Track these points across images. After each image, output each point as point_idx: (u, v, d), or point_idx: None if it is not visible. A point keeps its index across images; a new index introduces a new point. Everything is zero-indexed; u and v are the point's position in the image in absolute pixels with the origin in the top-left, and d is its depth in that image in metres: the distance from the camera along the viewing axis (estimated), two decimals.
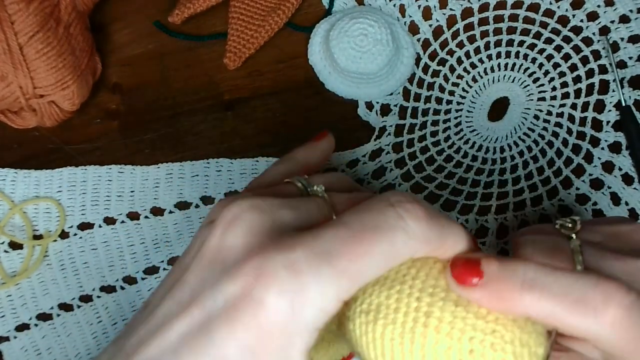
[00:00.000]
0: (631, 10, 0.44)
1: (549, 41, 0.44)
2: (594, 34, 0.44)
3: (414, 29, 0.45)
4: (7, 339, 0.40)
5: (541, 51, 0.44)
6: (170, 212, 0.42)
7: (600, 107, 0.42)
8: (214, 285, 0.20)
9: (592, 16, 0.44)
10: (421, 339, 0.21)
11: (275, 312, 0.19)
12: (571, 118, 0.42)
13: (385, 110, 0.44)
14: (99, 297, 0.40)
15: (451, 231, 0.22)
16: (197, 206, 0.42)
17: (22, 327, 0.40)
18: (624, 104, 0.42)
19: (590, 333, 0.21)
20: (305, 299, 0.19)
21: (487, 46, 0.45)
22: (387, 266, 0.21)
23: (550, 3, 0.45)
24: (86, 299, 0.41)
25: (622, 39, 0.43)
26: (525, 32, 0.44)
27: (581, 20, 0.44)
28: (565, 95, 0.43)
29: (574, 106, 0.43)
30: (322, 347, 0.27)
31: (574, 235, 0.25)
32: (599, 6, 0.44)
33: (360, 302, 0.22)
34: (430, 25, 0.45)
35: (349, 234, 0.20)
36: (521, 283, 0.22)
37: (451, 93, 0.44)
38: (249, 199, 0.21)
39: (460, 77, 0.44)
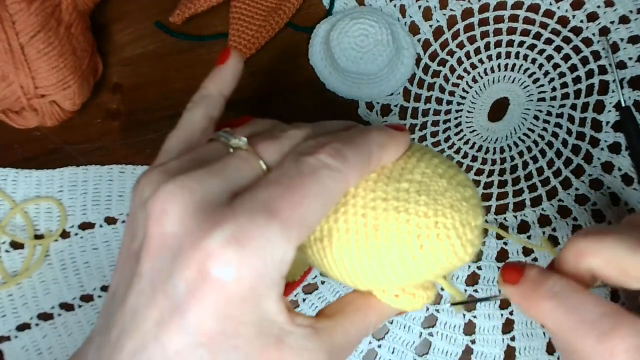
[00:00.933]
0: (631, 11, 0.44)
1: (548, 42, 0.44)
2: (593, 34, 0.44)
3: (414, 30, 0.45)
4: (8, 338, 0.40)
5: (541, 52, 0.44)
6: None
7: (599, 107, 0.43)
8: (170, 275, 0.20)
9: (592, 17, 0.44)
10: (376, 251, 0.23)
11: (238, 282, 0.20)
12: (571, 118, 0.43)
13: (385, 110, 0.44)
14: (99, 296, 0.41)
15: (369, 147, 0.24)
16: None
17: (23, 327, 0.40)
18: (623, 105, 0.42)
19: (590, 354, 0.23)
20: (262, 260, 0.20)
21: (487, 47, 0.45)
22: (327, 204, 0.22)
23: (550, 4, 0.45)
24: (87, 298, 0.41)
25: (621, 40, 0.43)
26: (525, 32, 0.45)
27: (581, 21, 0.44)
28: (565, 96, 0.43)
29: (573, 107, 0.43)
30: None
31: None
32: (598, 7, 0.44)
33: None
34: (431, 26, 0.45)
35: (281, 188, 0.21)
36: (546, 291, 0.24)
37: (451, 93, 0.44)
38: (174, 180, 0.22)
39: (460, 77, 0.44)
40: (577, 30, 0.44)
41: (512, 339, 0.39)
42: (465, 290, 0.40)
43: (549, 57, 0.44)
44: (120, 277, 0.22)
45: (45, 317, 0.40)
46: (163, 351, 0.20)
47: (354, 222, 0.23)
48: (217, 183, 0.22)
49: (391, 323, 0.40)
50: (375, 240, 0.23)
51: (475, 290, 0.40)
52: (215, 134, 0.26)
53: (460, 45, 0.45)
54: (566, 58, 0.44)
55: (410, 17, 0.46)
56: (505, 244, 0.41)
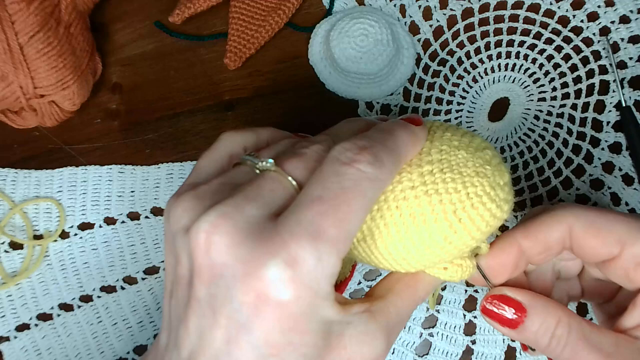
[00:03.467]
0: (631, 11, 0.44)
1: (549, 41, 0.44)
2: (594, 34, 0.44)
3: (414, 29, 0.45)
4: (7, 338, 0.40)
5: (541, 51, 0.44)
6: None
7: (600, 107, 0.42)
8: (230, 300, 0.21)
9: (593, 16, 0.44)
10: (418, 236, 0.25)
11: (296, 301, 0.21)
12: (571, 118, 0.43)
13: (385, 110, 0.44)
14: (99, 297, 0.41)
15: (399, 149, 0.25)
16: None
17: (23, 327, 0.40)
18: (624, 105, 0.42)
19: None
20: (315, 279, 0.21)
21: (487, 46, 0.45)
22: (368, 211, 0.23)
23: (551, 3, 0.45)
24: (86, 299, 0.41)
25: (622, 40, 0.43)
26: (526, 32, 0.44)
27: (581, 21, 0.44)
28: (566, 96, 0.43)
29: (574, 106, 0.43)
30: None
31: None
32: (599, 6, 0.44)
33: None
34: (431, 26, 0.45)
35: (324, 206, 0.22)
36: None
37: (451, 93, 0.44)
38: (214, 210, 0.22)
39: (460, 77, 0.44)
40: (577, 30, 0.44)
41: (513, 339, 0.39)
42: (466, 291, 0.40)
43: (550, 57, 0.44)
44: (176, 299, 0.24)
45: (44, 317, 0.40)
46: None
47: (390, 216, 0.25)
48: (255, 207, 0.23)
49: None
50: (416, 227, 0.24)
51: (476, 290, 0.40)
52: (240, 157, 0.26)
53: (461, 45, 0.45)
54: (566, 58, 0.44)
55: (410, 16, 0.45)
56: None
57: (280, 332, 0.21)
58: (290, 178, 0.24)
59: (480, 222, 0.25)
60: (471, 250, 0.27)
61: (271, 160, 0.24)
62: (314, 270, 0.21)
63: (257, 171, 0.25)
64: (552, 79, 0.43)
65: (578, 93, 0.43)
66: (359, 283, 0.41)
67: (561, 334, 0.27)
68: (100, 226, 0.42)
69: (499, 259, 0.29)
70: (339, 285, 0.31)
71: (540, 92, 0.43)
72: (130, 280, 0.41)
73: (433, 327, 0.40)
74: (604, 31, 0.44)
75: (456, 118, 0.44)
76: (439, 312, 0.40)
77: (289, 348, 0.21)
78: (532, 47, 0.44)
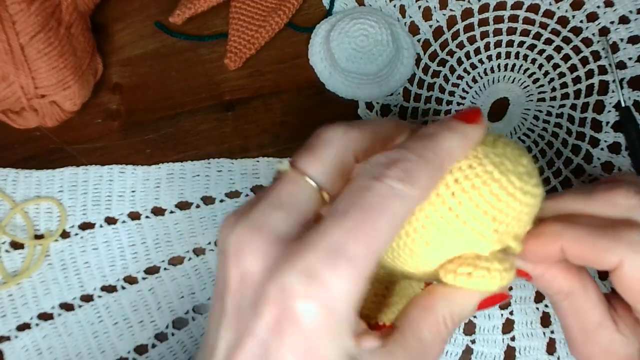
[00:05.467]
0: (631, 11, 0.44)
1: (548, 42, 0.44)
2: (593, 34, 0.44)
3: (414, 30, 0.45)
4: (8, 338, 0.40)
5: (541, 52, 0.44)
6: (171, 212, 0.42)
7: (599, 107, 0.43)
8: (253, 317, 0.21)
9: (592, 17, 0.44)
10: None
11: (311, 318, 0.20)
12: (571, 118, 0.43)
13: (385, 110, 0.44)
14: (100, 296, 0.41)
15: (441, 161, 0.23)
16: (198, 206, 0.42)
17: (23, 327, 0.40)
18: (623, 105, 0.42)
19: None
20: (332, 296, 0.20)
21: (487, 47, 0.45)
22: (396, 230, 0.22)
23: (550, 4, 0.45)
24: (87, 298, 0.41)
25: (621, 40, 0.43)
26: (525, 32, 0.45)
27: (581, 21, 0.44)
28: (565, 96, 0.43)
29: (573, 107, 0.43)
30: None
31: None
32: (598, 7, 0.44)
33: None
34: (431, 26, 0.45)
35: (349, 222, 0.21)
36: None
37: (451, 94, 0.44)
38: (244, 219, 0.22)
39: (460, 77, 0.44)
40: (576, 31, 0.44)
41: (512, 339, 0.39)
42: None
43: (549, 57, 0.44)
44: (212, 314, 0.24)
45: (45, 317, 0.40)
46: None
47: (415, 219, 0.24)
48: (280, 216, 0.22)
49: None
50: (444, 233, 0.24)
51: None
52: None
53: (460, 46, 0.45)
54: (566, 58, 0.44)
55: (410, 17, 0.46)
56: None
57: (295, 355, 0.20)
58: (307, 179, 0.23)
59: (486, 193, 0.23)
60: (500, 249, 0.25)
61: (286, 161, 0.24)
62: (333, 289, 0.20)
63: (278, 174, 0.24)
64: (552, 79, 0.43)
65: (577, 93, 0.43)
66: None
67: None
68: (101, 226, 0.42)
69: (537, 255, 0.27)
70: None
71: (539, 93, 0.43)
72: (131, 280, 0.41)
73: None
74: (604, 31, 0.44)
75: None
76: None
77: None
78: (531, 47, 0.44)
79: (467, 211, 0.23)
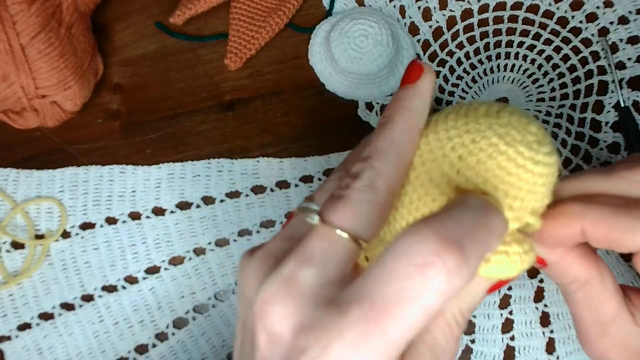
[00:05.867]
0: (630, 12, 0.44)
1: (548, 42, 0.44)
2: (593, 35, 0.44)
3: (414, 30, 0.46)
4: (8, 338, 0.40)
5: (540, 52, 0.44)
6: (172, 212, 0.42)
7: (599, 108, 0.43)
8: None
9: (591, 17, 0.44)
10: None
11: None
12: (570, 119, 0.43)
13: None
14: (100, 296, 0.41)
15: (491, 239, 0.20)
16: (198, 206, 0.42)
17: (24, 327, 0.40)
18: (622, 105, 0.42)
19: None
20: None
21: (486, 47, 0.45)
22: (423, 322, 0.19)
23: (550, 4, 0.45)
24: (88, 298, 0.41)
25: (621, 40, 0.44)
26: (525, 33, 0.45)
27: (580, 22, 0.44)
28: (564, 96, 0.43)
29: (572, 107, 0.43)
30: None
31: None
32: (598, 7, 0.44)
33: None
34: (430, 27, 0.45)
35: (374, 313, 0.19)
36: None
37: (451, 94, 0.44)
38: (272, 277, 0.21)
39: (460, 78, 0.44)
40: (576, 31, 0.44)
41: (512, 338, 0.39)
42: None
43: (548, 58, 0.44)
44: (244, 354, 0.23)
45: (46, 316, 0.40)
46: None
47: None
48: (310, 273, 0.21)
49: None
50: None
51: None
52: (299, 206, 0.24)
53: (460, 46, 0.45)
54: (565, 58, 0.44)
55: (410, 17, 0.46)
56: None
57: None
58: (338, 232, 0.21)
59: (494, 167, 0.21)
60: (519, 228, 0.23)
61: (316, 214, 0.22)
62: None
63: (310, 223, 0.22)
64: (551, 80, 0.44)
65: (577, 93, 0.43)
66: None
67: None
68: (102, 226, 0.42)
69: (556, 238, 0.25)
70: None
71: (539, 93, 0.44)
72: (131, 280, 0.41)
73: None
74: (603, 32, 0.44)
75: None
76: None
77: None
78: (531, 47, 0.44)
79: (476, 189, 0.22)
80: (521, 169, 0.22)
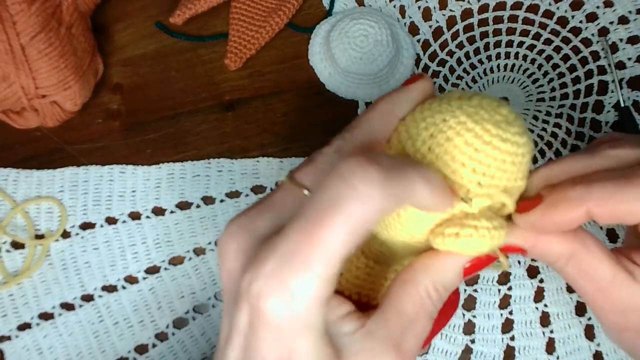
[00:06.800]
0: (630, 12, 0.44)
1: (548, 42, 0.44)
2: (593, 35, 0.44)
3: (414, 30, 0.46)
4: (8, 338, 0.40)
5: (540, 52, 0.44)
6: (172, 212, 0.42)
7: (599, 107, 0.43)
8: (236, 312, 0.22)
9: (591, 17, 0.44)
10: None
11: (278, 316, 0.21)
12: (570, 119, 0.43)
13: None
14: (100, 296, 0.41)
15: (415, 181, 0.21)
16: (198, 206, 0.42)
17: (24, 327, 0.40)
18: (622, 105, 0.42)
19: None
20: (294, 296, 0.20)
21: (486, 47, 0.45)
22: (356, 236, 0.20)
23: (550, 4, 0.45)
24: (88, 298, 0.41)
25: (621, 40, 0.44)
26: (525, 33, 0.45)
27: (580, 22, 0.44)
28: (564, 96, 0.43)
29: (572, 107, 0.43)
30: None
31: None
32: (598, 7, 0.44)
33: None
34: (430, 26, 0.45)
35: (307, 223, 0.20)
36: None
37: None
38: (233, 222, 0.24)
39: (460, 77, 0.44)
40: (576, 31, 0.44)
41: (512, 338, 0.39)
42: (465, 290, 0.40)
43: (548, 58, 0.44)
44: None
45: (46, 316, 0.40)
46: None
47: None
48: (266, 218, 0.23)
49: None
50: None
51: (475, 290, 0.40)
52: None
53: (460, 46, 0.45)
54: (565, 58, 0.44)
55: (410, 17, 0.46)
56: None
57: (273, 349, 0.21)
58: (304, 191, 0.23)
59: (461, 143, 0.22)
60: (493, 207, 0.24)
61: (286, 172, 0.25)
62: (293, 290, 0.20)
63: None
64: (551, 80, 0.44)
65: (577, 93, 0.43)
66: None
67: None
68: (102, 226, 0.42)
69: (561, 223, 0.25)
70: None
71: (539, 93, 0.44)
72: (131, 280, 0.41)
73: None
74: (603, 32, 0.44)
75: None
76: None
77: None
78: (531, 47, 0.44)
79: (445, 165, 0.23)
80: (488, 146, 0.22)
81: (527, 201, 0.25)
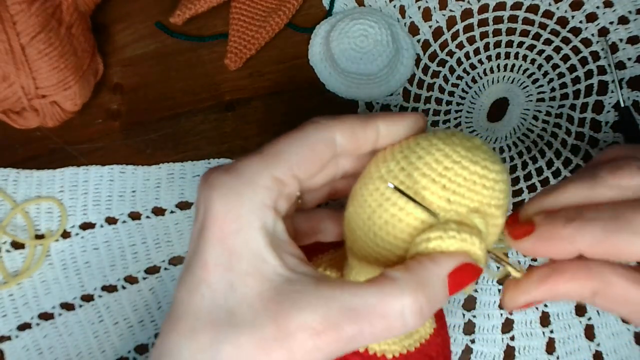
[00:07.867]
0: (630, 12, 0.44)
1: (548, 42, 0.44)
2: (593, 35, 0.44)
3: (414, 30, 0.46)
4: (9, 338, 0.40)
5: (540, 52, 0.44)
6: (172, 212, 0.42)
7: (599, 107, 0.43)
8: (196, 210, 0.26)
9: (591, 17, 0.44)
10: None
11: (226, 209, 0.24)
12: (570, 119, 0.43)
13: (385, 110, 0.44)
14: (100, 296, 0.41)
15: (369, 124, 0.26)
16: None
17: (24, 327, 0.40)
18: (622, 105, 0.42)
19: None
20: (244, 185, 0.24)
21: (486, 47, 0.45)
22: (309, 149, 0.26)
23: (550, 4, 0.45)
24: (88, 298, 0.41)
25: (620, 40, 0.44)
26: (525, 33, 0.45)
27: (580, 22, 0.44)
28: (564, 96, 0.43)
29: (572, 107, 0.43)
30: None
31: None
32: (598, 7, 0.44)
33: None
34: (430, 27, 0.45)
35: (267, 148, 0.25)
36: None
37: (451, 94, 0.44)
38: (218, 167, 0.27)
39: (459, 78, 0.44)
40: (576, 31, 0.44)
41: (512, 338, 0.39)
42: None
43: (548, 58, 0.44)
44: None
45: (46, 316, 0.40)
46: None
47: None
48: (248, 162, 0.26)
49: None
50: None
51: (475, 290, 0.40)
52: None
53: (460, 46, 0.45)
54: (565, 58, 0.44)
55: (410, 17, 0.46)
56: None
57: (212, 249, 0.23)
58: None
59: (432, 161, 0.24)
60: (469, 227, 0.24)
61: None
62: (244, 176, 0.24)
63: None
64: (551, 80, 0.44)
65: (577, 93, 0.43)
66: None
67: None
68: (102, 226, 0.42)
69: (549, 253, 0.25)
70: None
71: (539, 93, 0.44)
72: (131, 280, 0.41)
73: None
74: (603, 32, 0.44)
75: (455, 118, 0.44)
76: None
77: (218, 269, 0.23)
78: (531, 47, 0.44)
79: (415, 181, 0.24)
80: (457, 165, 0.24)
81: (519, 226, 0.26)
